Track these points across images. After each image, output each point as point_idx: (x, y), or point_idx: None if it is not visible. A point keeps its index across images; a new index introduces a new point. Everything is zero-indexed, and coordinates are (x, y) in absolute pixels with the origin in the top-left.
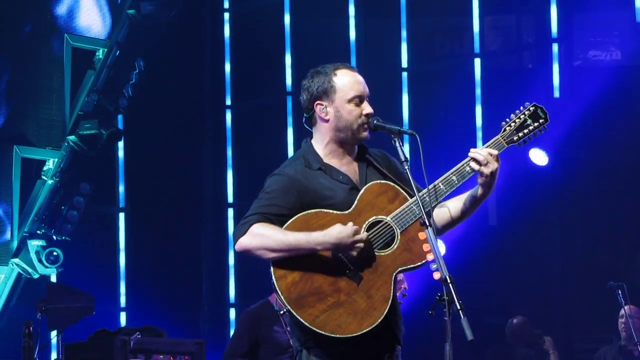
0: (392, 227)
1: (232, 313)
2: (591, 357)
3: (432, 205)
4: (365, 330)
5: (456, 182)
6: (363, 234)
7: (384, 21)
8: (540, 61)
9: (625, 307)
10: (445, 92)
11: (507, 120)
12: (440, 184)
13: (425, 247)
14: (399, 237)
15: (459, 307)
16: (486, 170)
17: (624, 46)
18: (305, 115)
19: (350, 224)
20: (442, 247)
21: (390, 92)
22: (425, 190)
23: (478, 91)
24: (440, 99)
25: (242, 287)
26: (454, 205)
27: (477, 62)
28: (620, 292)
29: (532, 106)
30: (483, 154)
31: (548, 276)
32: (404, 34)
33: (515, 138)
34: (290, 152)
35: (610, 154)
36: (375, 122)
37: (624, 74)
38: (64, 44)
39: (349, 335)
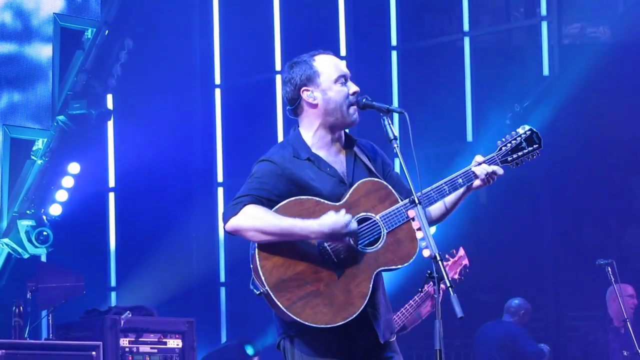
0: (379, 225)
1: (223, 292)
2: (580, 333)
3: (424, 203)
4: (338, 324)
5: (447, 192)
6: (354, 225)
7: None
8: (529, 39)
9: (616, 286)
10: (435, 71)
11: (503, 140)
12: (432, 191)
13: (415, 224)
14: (385, 237)
15: (448, 285)
16: (482, 184)
17: (613, 24)
18: (289, 107)
19: (342, 211)
20: (432, 228)
21: (380, 71)
22: (418, 194)
23: (467, 69)
24: (430, 77)
25: (232, 267)
26: (447, 199)
27: (467, 40)
28: (609, 268)
29: (528, 130)
30: (485, 172)
31: (538, 253)
32: (393, 12)
33: (509, 159)
34: (280, 130)
35: (600, 132)
36: (364, 100)
37: (614, 52)
38: (52, 24)
39: (321, 326)
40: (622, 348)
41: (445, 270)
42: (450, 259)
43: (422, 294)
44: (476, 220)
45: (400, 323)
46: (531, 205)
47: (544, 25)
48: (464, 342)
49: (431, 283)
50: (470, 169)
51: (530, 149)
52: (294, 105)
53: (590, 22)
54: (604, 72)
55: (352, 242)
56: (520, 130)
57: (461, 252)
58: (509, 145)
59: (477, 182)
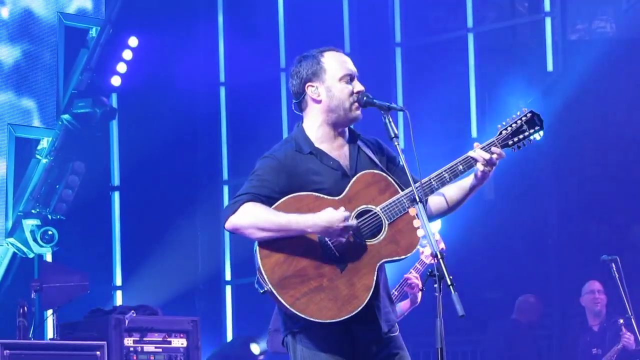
0: (380, 217)
1: (228, 291)
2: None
3: (424, 198)
4: (343, 318)
5: (448, 179)
6: (353, 221)
7: None
8: (533, 36)
9: (596, 283)
10: (439, 67)
11: (504, 123)
12: (432, 180)
13: (416, 222)
14: (387, 228)
15: (449, 283)
16: (486, 169)
17: (618, 20)
18: (294, 100)
19: (342, 208)
20: (437, 223)
21: (384, 68)
22: (418, 184)
23: (472, 66)
24: (434, 74)
25: (237, 265)
26: (449, 194)
27: (471, 36)
28: (613, 265)
29: (529, 112)
30: (485, 156)
31: (544, 250)
32: (397, 8)
33: (510, 142)
34: (285, 129)
35: (605, 128)
36: (365, 98)
37: (618, 48)
38: (58, 23)
39: (327, 321)
40: (591, 347)
41: (446, 268)
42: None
43: (400, 288)
44: (482, 216)
45: None
46: (536, 202)
47: (548, 21)
48: (468, 340)
49: (411, 277)
50: (469, 155)
51: (531, 130)
52: (299, 99)
53: (595, 18)
54: (609, 68)
55: (350, 238)
56: (521, 113)
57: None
58: (509, 128)
59: (478, 166)
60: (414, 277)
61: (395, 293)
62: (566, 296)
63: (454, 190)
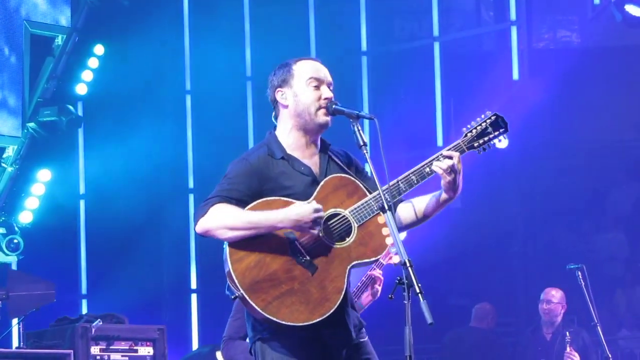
0: (349, 220)
1: (194, 299)
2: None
3: (390, 201)
4: (315, 320)
5: (415, 182)
6: (322, 213)
7: (343, 4)
8: (499, 44)
9: (552, 291)
10: (405, 75)
11: (468, 126)
12: (400, 182)
13: (385, 231)
14: (356, 231)
15: (418, 291)
16: (449, 177)
17: (583, 29)
18: (273, 109)
19: (313, 202)
20: (403, 233)
21: (350, 76)
22: (385, 187)
23: (437, 74)
24: (400, 82)
25: (204, 273)
26: (419, 206)
27: (437, 45)
28: (579, 273)
29: (493, 115)
30: (446, 163)
31: (510, 258)
32: (363, 17)
33: (475, 144)
34: (250, 137)
35: (569, 136)
36: (334, 106)
37: (583, 56)
38: (23, 31)
39: (299, 324)
40: (542, 356)
41: (415, 277)
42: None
43: (362, 285)
44: (449, 225)
45: None
46: (502, 210)
47: (514, 30)
48: (435, 348)
49: (374, 273)
50: (438, 156)
51: (496, 133)
52: (273, 107)
53: (560, 27)
54: (574, 77)
55: (321, 235)
56: (485, 116)
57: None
58: (474, 131)
59: (442, 178)
60: (378, 273)
61: (355, 291)
62: (531, 303)
63: (424, 201)
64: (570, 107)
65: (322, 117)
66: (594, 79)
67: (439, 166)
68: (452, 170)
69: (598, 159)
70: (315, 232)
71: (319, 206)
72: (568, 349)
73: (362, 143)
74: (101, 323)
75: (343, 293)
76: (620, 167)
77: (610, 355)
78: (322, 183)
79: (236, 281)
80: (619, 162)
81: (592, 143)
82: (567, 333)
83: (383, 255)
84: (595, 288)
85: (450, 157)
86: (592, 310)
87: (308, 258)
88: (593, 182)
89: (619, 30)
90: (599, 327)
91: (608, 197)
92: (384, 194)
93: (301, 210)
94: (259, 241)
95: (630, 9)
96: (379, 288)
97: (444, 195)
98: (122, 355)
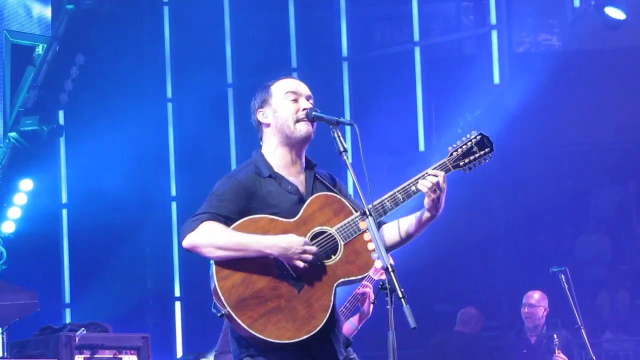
0: (335, 238)
1: (178, 307)
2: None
3: (376, 219)
4: (302, 338)
5: (401, 200)
6: (313, 247)
7: (324, 11)
8: (480, 48)
9: (534, 294)
10: (386, 81)
11: (454, 145)
12: (386, 200)
13: (366, 236)
14: (342, 249)
15: (400, 295)
16: (433, 195)
17: (563, 32)
18: (258, 132)
19: (303, 238)
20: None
21: (331, 82)
22: (370, 206)
23: (419, 79)
24: (381, 87)
25: (187, 281)
26: (403, 226)
27: (417, 50)
28: (563, 276)
29: (478, 135)
30: (431, 181)
31: (493, 262)
32: (343, 23)
33: (461, 163)
34: (232, 144)
35: (550, 139)
36: (313, 113)
37: (564, 60)
38: (3, 41)
39: (286, 341)
40: (526, 358)
41: (397, 282)
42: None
43: (352, 301)
44: (431, 229)
45: None
46: (484, 214)
47: (494, 34)
48: (419, 353)
49: (365, 290)
50: (424, 174)
51: (482, 152)
52: (258, 129)
53: (540, 30)
54: (555, 80)
55: (306, 265)
56: (470, 135)
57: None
58: (460, 150)
59: (426, 200)
60: (369, 289)
61: (344, 310)
62: (515, 307)
63: (407, 221)
64: (551, 111)
65: (303, 128)
66: (574, 82)
67: (424, 185)
68: (437, 188)
69: (580, 162)
70: (301, 265)
71: (312, 247)
72: (557, 352)
73: (342, 149)
74: (85, 332)
75: (330, 311)
76: (602, 169)
77: (594, 358)
78: (308, 201)
79: (222, 299)
80: (600, 165)
81: (574, 146)
82: (555, 336)
83: (374, 271)
84: (578, 291)
85: (436, 176)
86: (576, 313)
87: (295, 276)
88: (575, 185)
89: (599, 34)
90: (582, 330)
91: (590, 199)
92: (365, 204)
93: (291, 241)
94: (245, 259)
95: (610, 11)
96: (370, 308)
97: (426, 214)
98: None
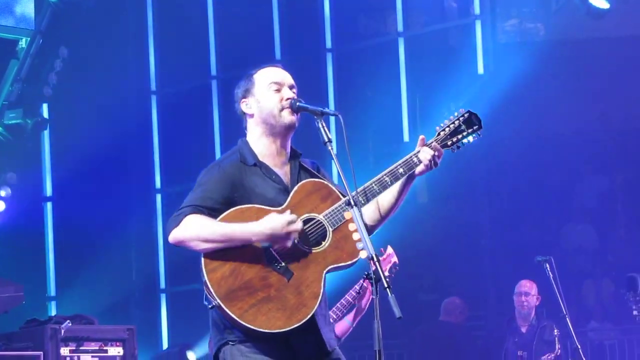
0: (324, 224)
1: (163, 299)
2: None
3: (363, 203)
4: (293, 326)
5: (389, 183)
6: (298, 224)
7: (307, 3)
8: (464, 39)
9: (527, 283)
10: (370, 72)
11: (441, 125)
12: (374, 184)
13: (351, 226)
14: (331, 235)
15: (386, 285)
16: (426, 170)
17: (547, 21)
18: (242, 122)
19: (287, 212)
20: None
21: (315, 74)
22: (354, 193)
23: (403, 70)
24: (365, 78)
25: (172, 274)
26: (382, 201)
27: (401, 41)
28: (547, 265)
29: (466, 113)
30: (429, 155)
31: (478, 251)
32: (327, 15)
33: (449, 143)
34: (217, 136)
35: (536, 129)
36: (297, 104)
37: (548, 49)
38: None
39: (277, 331)
40: (517, 348)
41: (382, 271)
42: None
43: (347, 297)
44: (416, 219)
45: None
46: (469, 203)
47: (478, 24)
48: (405, 342)
49: (358, 288)
50: (412, 156)
51: (469, 130)
52: (242, 119)
53: (524, 20)
54: (539, 70)
55: (296, 242)
56: (458, 114)
57: (389, 250)
58: (447, 129)
59: (420, 168)
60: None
61: (340, 307)
62: (500, 297)
63: (385, 195)
64: (535, 100)
65: (287, 117)
66: (559, 72)
67: (426, 155)
68: (434, 164)
69: (564, 152)
70: (289, 244)
71: (293, 217)
72: (557, 346)
73: (327, 139)
74: (70, 324)
75: (320, 298)
76: (586, 159)
77: (579, 347)
78: (295, 188)
79: (212, 291)
80: (585, 154)
81: (558, 136)
82: (554, 326)
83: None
84: (563, 280)
85: (440, 151)
86: (561, 302)
87: (283, 264)
88: (560, 174)
89: (583, 23)
90: (568, 319)
91: (575, 189)
92: (349, 192)
93: (274, 223)
94: (233, 250)
95: (594, 1)
96: (365, 303)
97: (404, 181)
98: (92, 356)
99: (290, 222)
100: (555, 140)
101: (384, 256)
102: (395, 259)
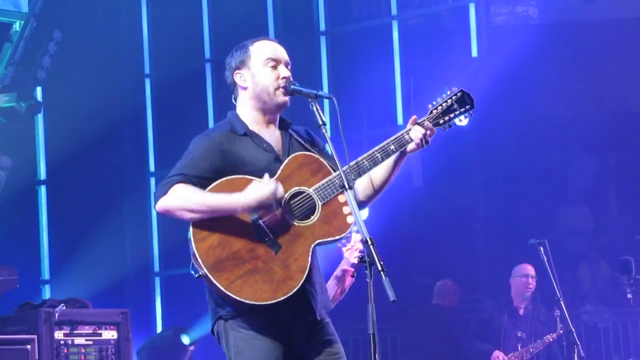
0: (313, 198)
1: (157, 282)
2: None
3: (354, 179)
4: (279, 299)
5: (380, 159)
6: (279, 189)
7: None
8: (457, 21)
9: (528, 266)
10: (364, 55)
11: (434, 103)
12: (364, 160)
13: (346, 209)
14: (320, 209)
15: (380, 268)
16: (417, 148)
17: (541, 4)
18: (232, 91)
19: (266, 176)
20: (364, 212)
21: (309, 56)
22: (346, 167)
23: (396, 53)
24: (359, 61)
25: (166, 257)
26: (374, 175)
27: (395, 23)
28: (542, 248)
29: (459, 92)
30: (421, 134)
31: (472, 235)
32: None
33: (441, 121)
34: (210, 119)
35: (529, 112)
36: (292, 86)
37: (541, 32)
38: None
39: (263, 303)
40: (516, 329)
41: (377, 254)
42: (347, 244)
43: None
44: (410, 203)
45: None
46: (463, 187)
47: (472, 7)
48: (399, 326)
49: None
50: (403, 133)
51: (462, 109)
52: (233, 88)
53: (518, 3)
54: (533, 53)
55: (282, 210)
56: (451, 92)
57: (358, 237)
58: (439, 108)
59: (411, 146)
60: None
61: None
62: (494, 280)
63: (377, 170)
64: (529, 83)
65: (280, 97)
66: (553, 54)
67: (416, 135)
68: (426, 141)
69: (559, 134)
70: (277, 212)
71: (276, 185)
72: (559, 327)
73: (321, 122)
74: (64, 308)
75: (307, 272)
76: (581, 141)
77: (573, 330)
78: (286, 161)
79: (199, 260)
80: (579, 137)
81: (553, 118)
82: (557, 311)
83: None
84: (557, 263)
85: (432, 130)
86: (555, 285)
87: (272, 237)
88: (555, 157)
89: (577, 5)
90: (562, 302)
91: (570, 171)
92: (344, 173)
93: (260, 193)
94: (222, 220)
95: None
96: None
97: (396, 157)
98: (86, 340)
99: (274, 191)
100: (548, 122)
101: (348, 247)
102: (360, 246)
